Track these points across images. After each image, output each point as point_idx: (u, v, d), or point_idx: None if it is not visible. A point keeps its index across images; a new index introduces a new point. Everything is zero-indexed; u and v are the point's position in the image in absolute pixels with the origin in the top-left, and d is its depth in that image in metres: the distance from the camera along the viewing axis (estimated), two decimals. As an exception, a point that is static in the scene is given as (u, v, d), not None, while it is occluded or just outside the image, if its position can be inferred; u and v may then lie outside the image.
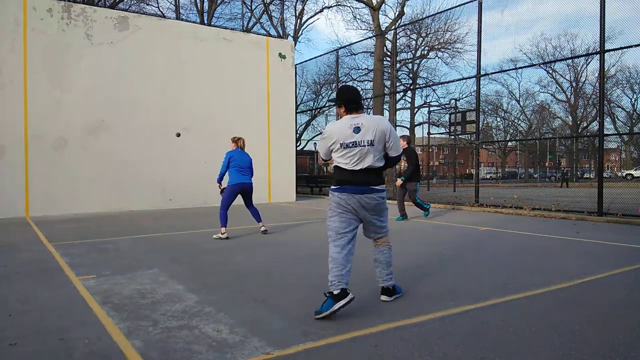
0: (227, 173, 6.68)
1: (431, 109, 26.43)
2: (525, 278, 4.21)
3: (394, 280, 3.53)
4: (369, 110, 21.37)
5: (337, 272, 3.14)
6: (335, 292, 3.08)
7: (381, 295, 3.52)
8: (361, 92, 3.74)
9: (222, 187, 6.79)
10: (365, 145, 3.20)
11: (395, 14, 20.79)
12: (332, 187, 3.35)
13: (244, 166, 6.68)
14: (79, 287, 3.97)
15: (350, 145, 3.20)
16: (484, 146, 38.61)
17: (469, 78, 16.52)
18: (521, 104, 38.55)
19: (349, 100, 3.29)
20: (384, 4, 18.05)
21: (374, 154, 3.23)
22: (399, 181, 8.13)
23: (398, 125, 31.00)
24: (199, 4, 23.81)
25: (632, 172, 33.47)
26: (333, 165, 3.38)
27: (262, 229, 6.93)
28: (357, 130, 3.20)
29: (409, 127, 32.39)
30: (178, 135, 9.74)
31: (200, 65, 12.27)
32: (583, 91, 35.41)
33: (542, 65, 32.42)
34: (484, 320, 3.07)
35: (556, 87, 36.44)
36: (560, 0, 20.76)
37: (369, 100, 20.41)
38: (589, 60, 32.34)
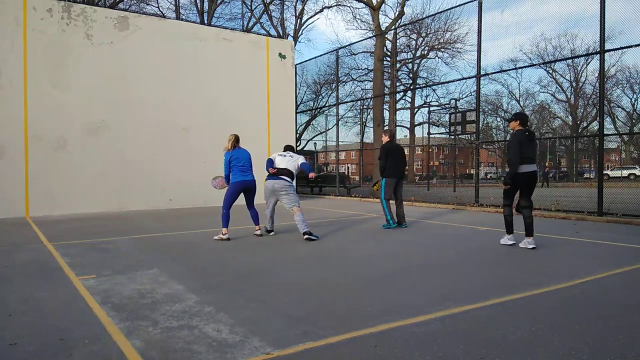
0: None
1: (431, 109, 26.46)
2: (525, 278, 4.22)
3: (308, 229, 6.56)
4: (369, 110, 22.39)
5: (269, 222, 7.00)
6: (269, 230, 7.01)
7: (304, 237, 6.42)
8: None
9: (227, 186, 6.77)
10: (288, 158, 6.76)
11: (395, 14, 20.79)
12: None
13: (245, 164, 6.68)
14: (79, 287, 3.97)
15: (282, 156, 6.82)
16: (484, 146, 38.60)
17: (469, 78, 16.52)
18: (521, 104, 38.54)
19: (286, 148, 7.14)
20: (384, 4, 18.00)
21: (291, 165, 6.69)
22: (378, 184, 7.83)
23: (398, 125, 31.10)
24: (199, 4, 23.80)
25: (609, 172, 33.11)
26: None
27: (257, 232, 6.92)
28: (287, 153, 6.89)
29: (409, 127, 32.44)
30: None
31: (200, 65, 12.27)
32: (583, 91, 35.39)
33: (542, 65, 32.43)
34: (484, 320, 3.07)
35: (556, 87, 36.44)
36: (560, 0, 20.76)
37: (368, 100, 20.43)
38: (589, 60, 32.33)
